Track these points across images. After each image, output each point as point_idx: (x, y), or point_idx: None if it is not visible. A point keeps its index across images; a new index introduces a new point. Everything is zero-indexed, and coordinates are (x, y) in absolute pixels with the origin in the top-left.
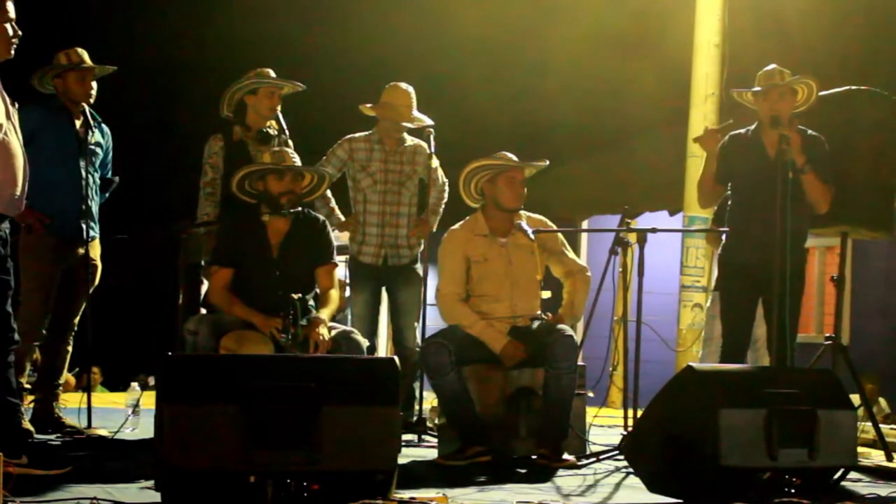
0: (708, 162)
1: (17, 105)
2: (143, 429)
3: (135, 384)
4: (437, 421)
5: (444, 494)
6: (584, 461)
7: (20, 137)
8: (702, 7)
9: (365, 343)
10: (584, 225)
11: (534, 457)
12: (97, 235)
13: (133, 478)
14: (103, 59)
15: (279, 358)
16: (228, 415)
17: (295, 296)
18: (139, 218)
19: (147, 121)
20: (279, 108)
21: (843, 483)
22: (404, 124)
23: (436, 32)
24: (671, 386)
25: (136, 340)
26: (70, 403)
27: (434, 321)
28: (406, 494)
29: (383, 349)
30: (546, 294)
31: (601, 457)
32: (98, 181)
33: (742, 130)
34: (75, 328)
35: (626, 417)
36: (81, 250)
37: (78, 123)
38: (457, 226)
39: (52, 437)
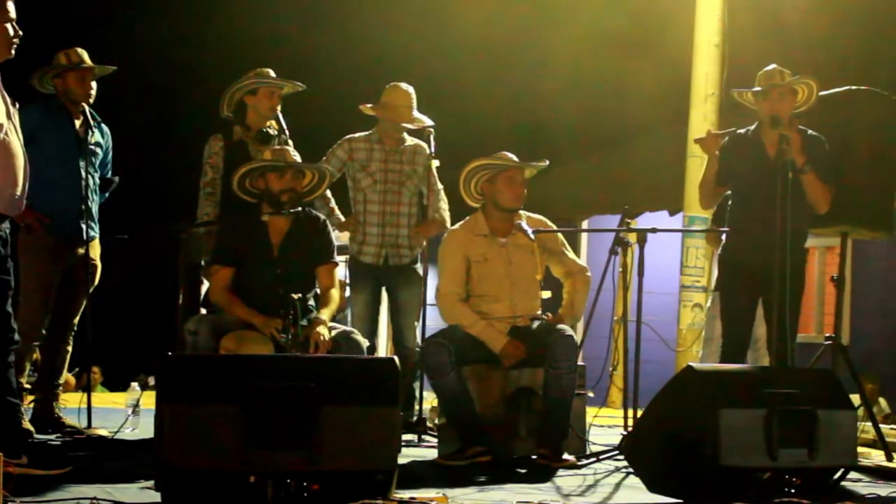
0: (709, 164)
1: (17, 105)
2: (143, 429)
3: (135, 384)
4: (437, 421)
5: (444, 494)
6: (584, 461)
7: (21, 137)
8: (702, 7)
9: (365, 343)
10: (584, 225)
11: (534, 457)
12: (97, 235)
13: (133, 478)
14: (103, 59)
15: (279, 358)
16: (228, 415)
17: (295, 296)
18: (139, 218)
19: (147, 121)
20: (279, 108)
21: (843, 483)
22: (404, 125)
23: (436, 32)
24: (671, 386)
25: (136, 340)
26: (70, 403)
27: (434, 321)
28: (406, 494)
29: (383, 349)
30: (546, 294)
31: (601, 457)
32: (98, 181)
33: (742, 130)
34: (75, 328)
35: (626, 417)
36: (81, 250)
37: (78, 123)
38: (457, 226)
39: (52, 437)
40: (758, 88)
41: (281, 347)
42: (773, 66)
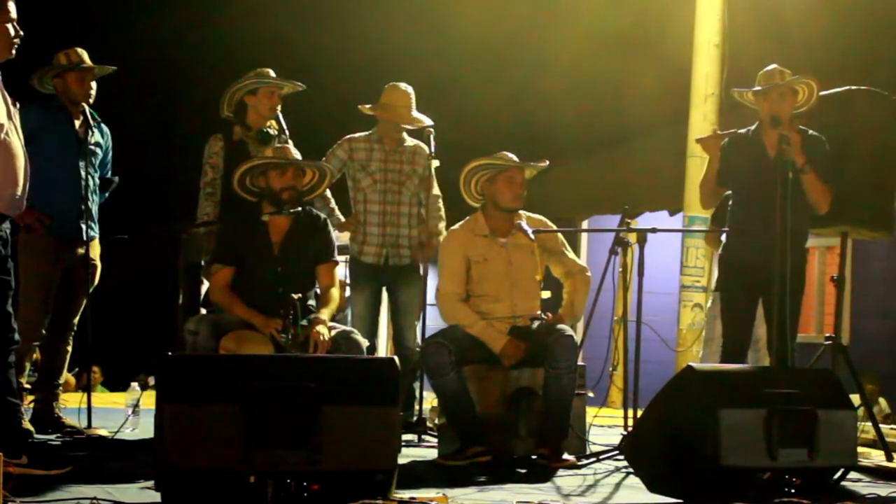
0: (710, 164)
1: (18, 105)
2: (143, 429)
3: (135, 384)
4: (437, 421)
5: (444, 494)
6: (584, 461)
7: (21, 137)
8: (702, 7)
9: (365, 343)
10: (584, 225)
11: (534, 457)
12: (97, 235)
13: (133, 478)
14: (103, 59)
15: (279, 358)
16: (228, 415)
17: (295, 296)
18: (139, 218)
19: (147, 121)
20: (279, 108)
21: (843, 483)
22: (403, 125)
23: (436, 32)
24: (671, 386)
25: (136, 340)
26: (70, 403)
27: (434, 321)
28: (406, 494)
29: (383, 349)
30: (546, 294)
31: (601, 457)
32: (97, 181)
33: (742, 130)
34: (75, 328)
35: (626, 417)
36: (81, 250)
37: (77, 123)
38: (457, 226)
39: (52, 437)
40: (758, 88)
41: (281, 347)
42: (773, 66)
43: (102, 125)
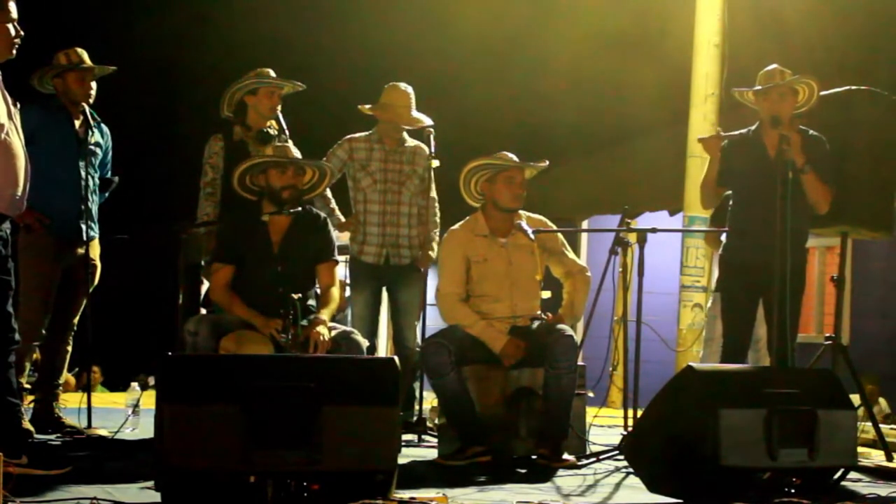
0: (711, 164)
1: (18, 105)
2: (143, 429)
3: (135, 384)
4: (437, 421)
5: (444, 494)
6: (584, 461)
7: (22, 138)
8: (702, 7)
9: (365, 343)
10: (584, 225)
11: (534, 457)
12: (97, 235)
13: (133, 478)
14: (103, 59)
15: (279, 358)
16: (228, 415)
17: (295, 296)
18: (139, 218)
19: (147, 121)
20: (279, 107)
21: (843, 483)
22: (403, 125)
23: (436, 32)
24: (671, 386)
25: (136, 340)
26: (70, 403)
27: (434, 321)
28: (406, 494)
29: (383, 349)
30: (546, 294)
31: (601, 457)
32: (97, 181)
33: (743, 130)
34: (75, 328)
35: (626, 417)
36: (81, 250)
37: (77, 123)
38: (457, 226)
39: (52, 437)
40: (758, 88)
41: (281, 347)
42: (773, 65)
43: (102, 125)
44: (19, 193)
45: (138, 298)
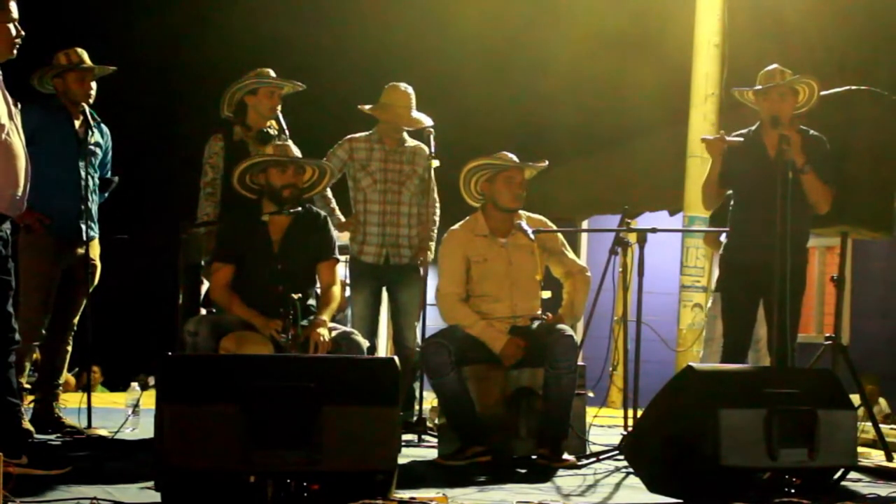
0: (713, 165)
1: (19, 105)
2: (143, 429)
3: (135, 384)
4: (437, 421)
5: (444, 494)
6: (584, 461)
7: (22, 138)
8: (702, 7)
9: (365, 344)
10: (584, 225)
11: (534, 457)
12: (97, 235)
13: (133, 478)
14: (103, 59)
15: (279, 358)
16: (228, 415)
17: (295, 296)
18: (139, 218)
19: (147, 121)
20: (279, 107)
21: (843, 483)
22: (402, 126)
23: (436, 32)
24: (671, 386)
25: (136, 340)
26: (70, 403)
27: (434, 321)
28: (406, 494)
29: (383, 349)
30: (546, 294)
31: (601, 457)
32: (97, 181)
33: (743, 131)
34: (75, 328)
35: (626, 417)
36: (81, 250)
37: (77, 123)
38: (457, 226)
39: (52, 437)
40: (758, 88)
41: (281, 348)
42: (773, 65)
43: (102, 125)
44: (20, 194)
45: (138, 298)
